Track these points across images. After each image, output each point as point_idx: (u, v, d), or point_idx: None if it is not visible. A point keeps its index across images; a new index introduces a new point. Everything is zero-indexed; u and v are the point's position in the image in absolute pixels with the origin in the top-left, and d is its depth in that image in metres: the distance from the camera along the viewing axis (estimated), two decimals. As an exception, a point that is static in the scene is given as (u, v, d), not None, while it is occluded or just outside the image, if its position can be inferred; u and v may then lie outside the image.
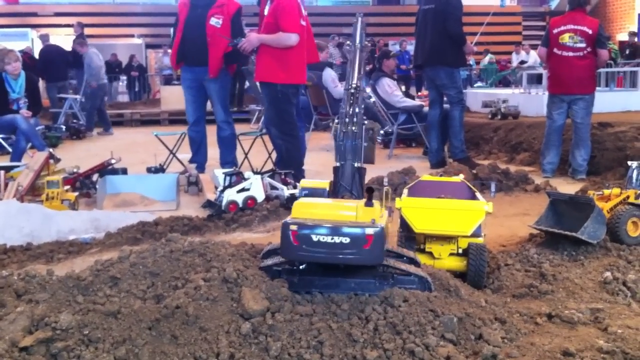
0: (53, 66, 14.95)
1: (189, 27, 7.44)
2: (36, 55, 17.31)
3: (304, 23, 6.50)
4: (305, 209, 2.93)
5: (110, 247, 4.62)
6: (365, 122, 3.42)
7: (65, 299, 2.79)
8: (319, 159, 8.91)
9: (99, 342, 2.48)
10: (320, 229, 2.75)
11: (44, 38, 15.81)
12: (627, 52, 18.05)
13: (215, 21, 7.28)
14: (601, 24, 7.82)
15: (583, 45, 7.47)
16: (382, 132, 10.46)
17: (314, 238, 2.75)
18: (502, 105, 10.96)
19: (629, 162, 4.65)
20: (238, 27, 7.43)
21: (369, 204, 2.83)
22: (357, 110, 3.29)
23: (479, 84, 18.40)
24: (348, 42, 3.74)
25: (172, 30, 7.84)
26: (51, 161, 7.04)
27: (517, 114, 10.85)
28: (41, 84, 15.74)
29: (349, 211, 2.84)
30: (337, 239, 2.72)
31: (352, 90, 3.39)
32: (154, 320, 2.58)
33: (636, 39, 18.39)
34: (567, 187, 6.84)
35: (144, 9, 22.80)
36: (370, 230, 2.70)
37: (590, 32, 7.45)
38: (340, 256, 2.75)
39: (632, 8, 24.70)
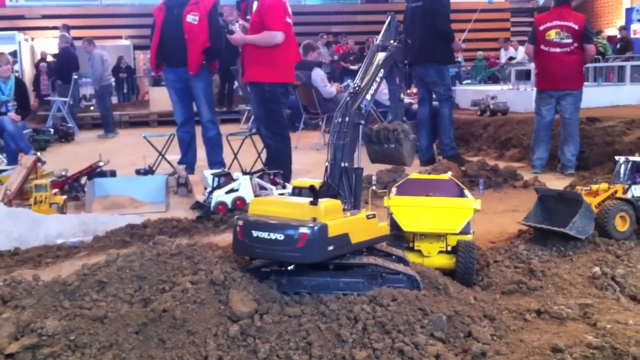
0: (68, 68, 15.00)
1: (167, 29, 7.40)
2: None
3: (289, 21, 6.47)
4: (259, 206, 3.00)
5: (98, 250, 4.58)
6: (368, 124, 3.49)
7: (51, 304, 2.77)
8: (309, 158, 8.90)
9: (86, 348, 2.46)
10: (259, 225, 2.81)
11: (64, 38, 15.68)
12: (618, 46, 18.05)
13: (192, 18, 7.26)
14: (587, 19, 7.83)
15: (570, 40, 7.48)
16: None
17: (254, 234, 2.80)
18: (491, 102, 10.96)
19: (617, 157, 4.66)
20: (216, 23, 7.41)
21: (313, 202, 2.83)
22: (353, 109, 3.30)
23: (468, 81, 18.43)
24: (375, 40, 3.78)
25: (150, 34, 7.77)
26: (39, 164, 7.00)
27: (506, 110, 10.86)
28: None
29: (297, 209, 2.86)
30: (272, 236, 2.76)
31: (351, 90, 3.41)
32: (141, 325, 2.56)
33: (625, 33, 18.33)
34: (557, 182, 6.85)
35: (132, 10, 22.66)
36: (304, 229, 2.71)
37: (576, 27, 7.46)
38: (276, 253, 2.79)
39: (620, 3, 24.79)
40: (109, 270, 2.93)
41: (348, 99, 3.38)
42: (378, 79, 3.54)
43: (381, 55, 3.67)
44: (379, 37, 3.82)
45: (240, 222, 2.88)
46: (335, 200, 2.98)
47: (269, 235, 2.77)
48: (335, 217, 2.87)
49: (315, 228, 2.72)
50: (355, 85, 3.46)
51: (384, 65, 3.63)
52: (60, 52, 15.38)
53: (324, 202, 2.87)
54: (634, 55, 15.55)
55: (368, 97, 3.42)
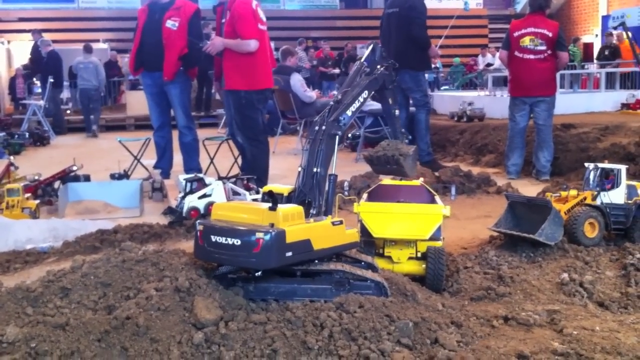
0: (58, 71, 15.21)
1: (147, 32, 7.37)
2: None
3: (263, 28, 6.46)
4: (221, 211, 3.00)
5: (68, 256, 4.51)
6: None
7: (14, 311, 2.73)
8: (286, 163, 8.89)
9: (46, 355, 2.43)
10: (217, 230, 2.81)
11: (45, 43, 15.69)
12: (607, 52, 18.00)
13: (171, 24, 7.20)
14: (561, 26, 7.90)
15: (543, 48, 7.54)
16: (349, 135, 10.49)
17: (213, 239, 2.81)
18: (467, 108, 11.04)
19: (586, 164, 4.70)
20: (197, 29, 7.36)
21: (272, 207, 2.83)
22: (330, 119, 3.32)
23: (446, 87, 18.51)
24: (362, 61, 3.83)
25: (133, 36, 7.75)
26: (12, 168, 6.92)
27: (483, 116, 10.95)
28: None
29: (255, 215, 2.86)
30: (230, 241, 2.76)
31: (332, 103, 3.44)
32: (104, 332, 2.53)
33: (614, 40, 18.11)
34: (532, 188, 6.89)
35: (109, 14, 22.50)
36: (260, 234, 2.71)
37: (550, 35, 7.52)
38: (233, 258, 2.80)
39: (596, 10, 25.03)
40: (73, 277, 2.89)
41: (330, 106, 3.41)
42: (361, 99, 3.56)
43: (366, 79, 3.70)
44: (364, 57, 3.86)
45: (201, 227, 2.89)
46: (297, 206, 2.97)
47: (226, 240, 2.77)
48: (295, 223, 2.86)
49: (272, 233, 2.71)
50: (336, 97, 3.49)
51: (369, 88, 3.67)
52: (47, 56, 15.38)
53: (283, 208, 2.86)
54: (622, 62, 15.56)
55: (349, 113, 3.45)
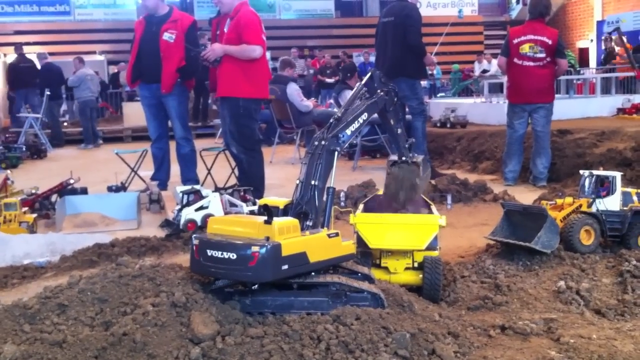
0: (53, 84, 15.30)
1: (144, 44, 7.40)
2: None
3: (264, 39, 6.51)
4: (217, 225, 3.02)
5: (65, 271, 4.51)
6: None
7: (11, 328, 2.74)
8: (283, 173, 8.91)
9: (44, 373, 2.44)
10: (213, 244, 2.82)
11: (42, 56, 15.78)
12: (602, 57, 17.99)
13: (168, 36, 7.22)
14: (560, 34, 7.91)
15: (543, 55, 7.54)
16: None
17: (209, 253, 2.82)
18: (450, 115, 11.18)
19: (581, 172, 4.71)
20: (194, 41, 7.39)
21: (267, 221, 2.84)
22: (330, 135, 3.32)
23: (442, 94, 18.56)
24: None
25: (130, 48, 7.77)
26: (8, 182, 6.92)
27: (466, 122, 11.14)
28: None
29: (251, 228, 2.87)
30: (225, 255, 2.77)
31: (332, 120, 3.44)
32: (101, 349, 2.54)
33: (613, 44, 18.06)
34: (529, 194, 6.90)
35: (105, 25, 22.59)
36: (256, 248, 2.72)
37: (550, 42, 7.52)
38: (230, 272, 2.81)
39: (591, 15, 25.13)
40: (70, 293, 2.90)
41: (330, 124, 3.42)
42: (361, 121, 3.57)
43: (366, 101, 3.71)
44: (363, 81, 3.87)
45: (196, 241, 2.90)
46: (292, 219, 2.98)
47: (222, 254, 2.78)
48: (290, 236, 2.87)
49: (268, 247, 2.73)
50: (336, 115, 3.50)
51: (368, 111, 3.66)
52: (43, 69, 15.43)
53: (279, 221, 2.88)
54: (615, 67, 15.58)
55: (348, 132, 3.45)
